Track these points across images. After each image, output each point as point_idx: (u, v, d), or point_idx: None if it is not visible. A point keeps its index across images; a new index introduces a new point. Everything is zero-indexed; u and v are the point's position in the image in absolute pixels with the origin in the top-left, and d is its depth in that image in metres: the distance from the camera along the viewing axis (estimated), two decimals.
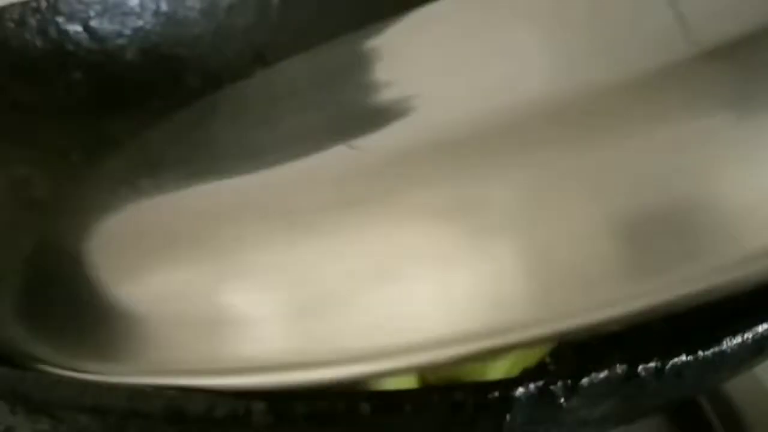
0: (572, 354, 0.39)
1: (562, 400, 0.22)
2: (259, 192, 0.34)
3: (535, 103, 0.30)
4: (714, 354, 0.23)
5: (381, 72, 0.42)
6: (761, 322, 0.24)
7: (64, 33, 0.59)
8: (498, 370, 0.35)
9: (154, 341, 0.28)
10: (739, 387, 0.43)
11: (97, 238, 0.38)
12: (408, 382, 0.36)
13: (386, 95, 0.37)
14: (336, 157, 0.33)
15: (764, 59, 0.27)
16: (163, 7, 0.64)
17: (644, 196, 0.25)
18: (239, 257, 0.30)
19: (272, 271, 0.28)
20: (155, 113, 0.62)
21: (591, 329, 0.22)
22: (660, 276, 0.23)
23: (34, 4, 0.57)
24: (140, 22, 0.63)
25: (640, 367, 0.22)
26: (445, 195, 0.27)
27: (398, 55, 0.44)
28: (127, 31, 0.62)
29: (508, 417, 0.22)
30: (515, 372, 0.36)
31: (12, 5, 0.56)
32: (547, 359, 0.38)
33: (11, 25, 0.56)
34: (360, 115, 0.37)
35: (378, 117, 0.34)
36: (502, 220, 0.26)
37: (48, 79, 0.58)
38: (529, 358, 0.37)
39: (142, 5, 0.63)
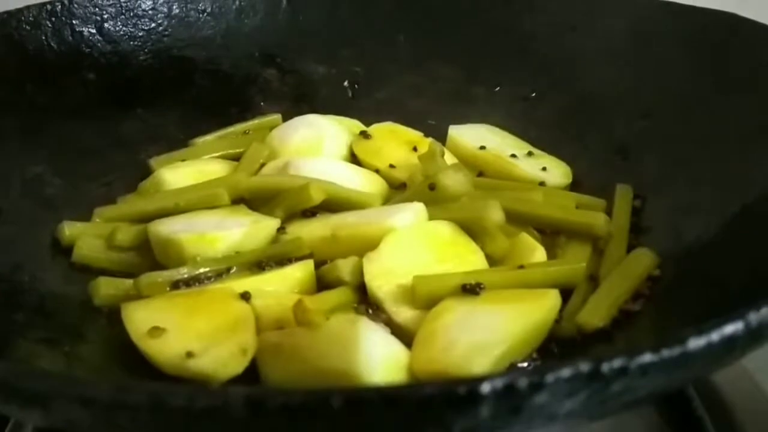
0: (559, 351, 0.40)
1: (528, 395, 0.23)
2: None
3: None
4: (680, 354, 0.24)
5: None
6: (728, 322, 0.25)
7: (78, 35, 0.60)
8: (484, 366, 0.35)
9: None
10: (730, 384, 0.43)
11: None
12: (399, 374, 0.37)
13: None
14: None
15: None
16: (175, 9, 0.65)
17: None
18: None
19: None
20: (166, 113, 0.64)
21: None
22: None
23: (49, 7, 0.59)
24: (152, 25, 0.64)
25: (605, 366, 0.23)
26: None
27: None
28: (140, 33, 0.64)
29: (476, 411, 0.23)
30: (503, 365, 0.37)
31: (28, 8, 0.57)
32: (534, 355, 0.39)
33: (27, 27, 0.57)
34: None
35: None
36: None
37: (62, 80, 0.59)
38: (518, 353, 0.38)
39: (154, 8, 0.64)
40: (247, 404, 0.23)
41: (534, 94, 0.63)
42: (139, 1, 0.64)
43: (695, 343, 0.24)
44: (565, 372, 0.23)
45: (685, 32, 0.56)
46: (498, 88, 0.65)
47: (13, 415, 0.26)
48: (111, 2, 0.62)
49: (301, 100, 0.67)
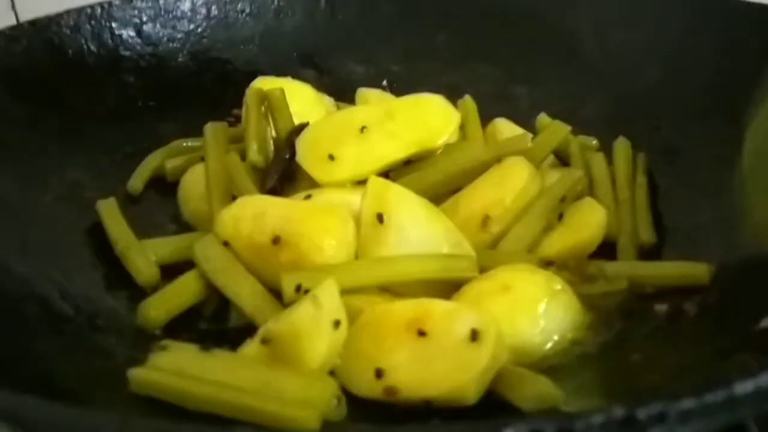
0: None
1: None
2: None
3: None
4: (724, 399, 0.22)
5: None
6: None
7: (117, 38, 0.61)
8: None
9: None
10: None
11: None
12: None
13: None
14: None
15: None
16: (214, 10, 0.65)
17: None
18: None
19: None
20: (205, 114, 0.64)
21: None
22: None
23: (88, 11, 0.59)
24: (191, 26, 0.64)
25: (640, 411, 0.22)
26: None
27: None
28: (179, 35, 0.64)
29: None
30: None
31: (68, 12, 0.58)
32: None
33: (67, 31, 0.58)
34: None
35: None
36: None
37: (101, 82, 0.60)
38: None
39: (193, 9, 0.64)
40: None
41: (577, 93, 0.61)
42: (178, 3, 0.64)
43: (741, 388, 0.22)
44: (595, 418, 0.21)
45: (734, 28, 0.53)
46: (540, 87, 0.63)
47: None
48: (150, 4, 0.62)
49: (340, 100, 0.66)
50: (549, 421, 0.21)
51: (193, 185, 0.54)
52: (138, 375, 0.34)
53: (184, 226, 0.53)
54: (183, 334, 0.42)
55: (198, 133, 0.61)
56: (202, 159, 0.54)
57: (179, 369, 0.35)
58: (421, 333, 0.36)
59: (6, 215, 0.48)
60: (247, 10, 0.66)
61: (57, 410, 0.23)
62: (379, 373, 0.35)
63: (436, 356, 0.35)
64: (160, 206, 0.55)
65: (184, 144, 0.59)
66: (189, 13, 0.64)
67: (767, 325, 0.25)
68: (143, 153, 0.59)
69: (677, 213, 0.50)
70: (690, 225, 0.49)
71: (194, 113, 0.63)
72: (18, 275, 0.44)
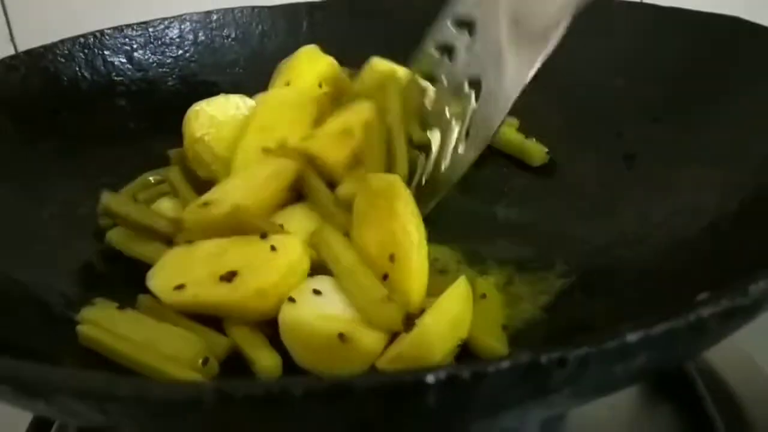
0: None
1: (470, 386, 0.24)
2: None
3: None
4: (619, 346, 0.25)
5: None
6: (666, 319, 0.26)
7: (110, 65, 0.65)
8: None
9: None
10: (736, 372, 0.44)
11: None
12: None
13: None
14: None
15: None
16: (201, 36, 0.69)
17: None
18: None
19: None
20: None
21: None
22: None
23: (82, 40, 0.63)
24: (179, 52, 0.68)
25: (543, 357, 0.25)
26: None
27: None
28: (168, 61, 0.68)
29: (423, 401, 0.25)
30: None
31: (62, 41, 0.62)
32: None
33: (62, 60, 0.62)
34: None
35: None
36: None
37: (95, 107, 0.63)
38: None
39: (181, 36, 0.68)
40: (218, 396, 0.25)
41: (542, 102, 0.64)
42: (166, 30, 0.68)
43: (632, 336, 0.25)
44: (505, 363, 0.24)
45: (687, 36, 0.57)
46: None
47: (23, 408, 0.29)
48: (140, 32, 0.66)
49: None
50: (465, 367, 0.24)
51: None
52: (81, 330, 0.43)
53: None
54: None
55: None
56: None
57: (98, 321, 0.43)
58: None
59: (6, 230, 0.52)
60: (233, 35, 0.70)
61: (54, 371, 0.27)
62: None
63: None
64: None
65: (150, 179, 0.60)
66: (177, 40, 0.68)
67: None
68: (135, 172, 0.62)
69: (632, 212, 0.53)
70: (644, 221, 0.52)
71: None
72: (20, 283, 0.48)
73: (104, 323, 0.44)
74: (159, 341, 0.42)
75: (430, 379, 0.25)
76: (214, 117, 0.56)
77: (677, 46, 0.59)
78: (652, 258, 0.46)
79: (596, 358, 0.25)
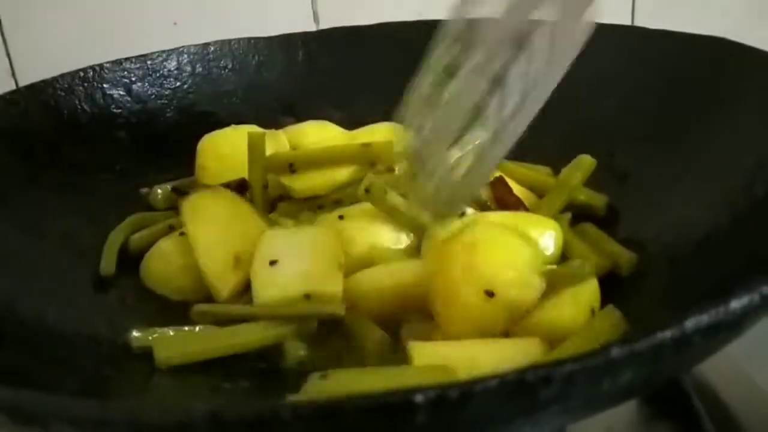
0: None
1: (458, 405, 0.25)
2: None
3: None
4: (605, 362, 0.26)
5: None
6: (652, 334, 0.26)
7: (109, 97, 0.66)
8: None
9: None
10: (733, 389, 0.44)
11: None
12: None
13: None
14: None
15: None
16: (198, 68, 0.71)
17: None
18: None
19: None
20: (192, 163, 0.68)
21: None
22: None
23: (81, 74, 0.64)
24: (177, 83, 0.69)
25: (529, 375, 0.25)
26: None
27: None
28: (166, 92, 0.69)
29: (412, 420, 0.25)
30: None
31: (62, 75, 0.63)
32: None
33: (61, 93, 0.63)
34: None
35: None
36: None
37: (95, 139, 0.64)
38: None
39: (179, 68, 0.70)
40: (212, 420, 0.26)
41: (535, 125, 0.65)
42: (164, 63, 0.69)
43: (618, 352, 0.26)
44: (492, 381, 0.25)
45: (675, 57, 0.58)
46: None
47: None
48: (138, 65, 0.67)
49: None
50: (453, 387, 0.25)
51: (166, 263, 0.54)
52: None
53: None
54: None
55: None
56: (170, 229, 0.56)
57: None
58: None
59: (9, 261, 0.53)
60: (230, 66, 0.71)
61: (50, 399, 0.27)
62: None
63: None
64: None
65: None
66: (175, 72, 0.69)
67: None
68: (135, 202, 0.63)
69: (626, 228, 0.54)
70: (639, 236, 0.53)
71: (183, 163, 0.68)
72: (23, 312, 0.48)
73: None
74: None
75: (419, 398, 0.25)
76: None
77: (666, 66, 0.60)
78: (646, 272, 0.47)
79: (582, 375, 0.25)
